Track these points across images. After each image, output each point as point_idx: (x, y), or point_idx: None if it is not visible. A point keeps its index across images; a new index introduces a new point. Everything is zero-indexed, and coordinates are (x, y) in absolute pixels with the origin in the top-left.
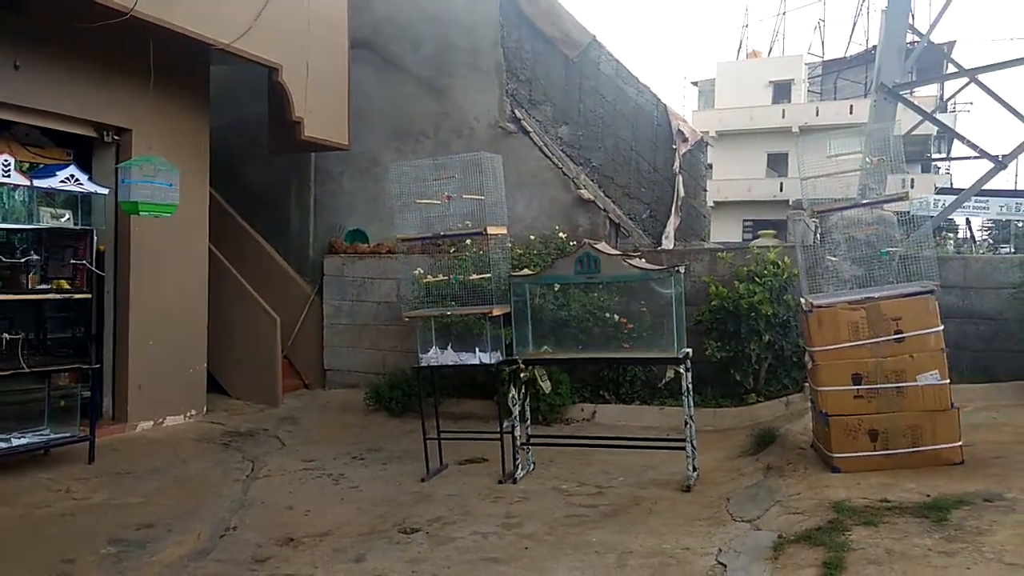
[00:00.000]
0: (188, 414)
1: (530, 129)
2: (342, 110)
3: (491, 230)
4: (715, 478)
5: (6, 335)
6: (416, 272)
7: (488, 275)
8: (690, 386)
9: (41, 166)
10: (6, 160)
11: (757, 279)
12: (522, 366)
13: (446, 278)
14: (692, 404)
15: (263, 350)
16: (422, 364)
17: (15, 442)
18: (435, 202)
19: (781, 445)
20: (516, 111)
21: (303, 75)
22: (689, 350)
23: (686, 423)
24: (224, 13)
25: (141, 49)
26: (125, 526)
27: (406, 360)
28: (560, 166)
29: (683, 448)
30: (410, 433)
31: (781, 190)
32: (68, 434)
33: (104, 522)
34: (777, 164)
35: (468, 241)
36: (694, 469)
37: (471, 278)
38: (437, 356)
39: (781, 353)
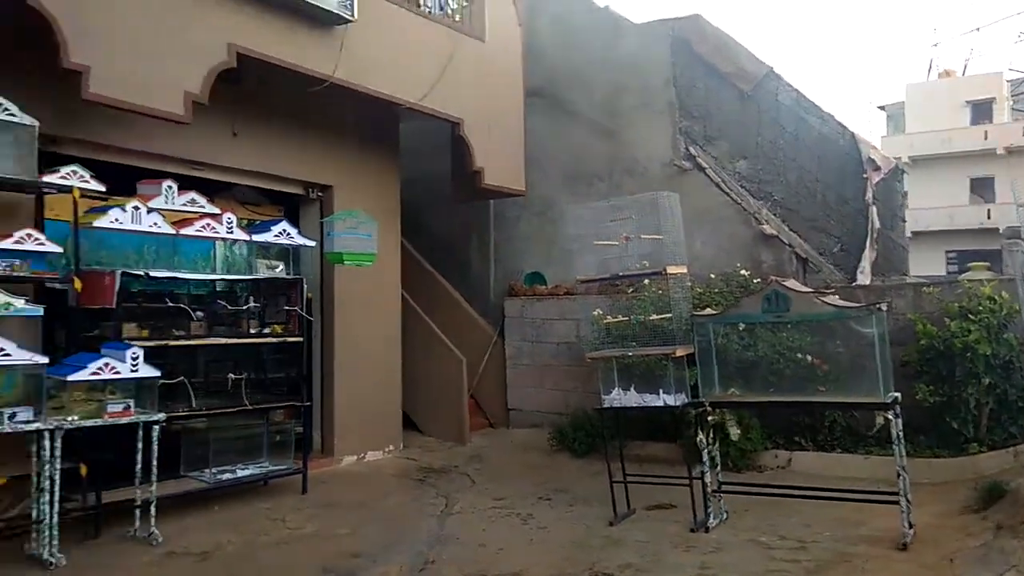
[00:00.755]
0: (387, 449)
1: (705, 165)
2: (519, 158)
3: (671, 269)
4: (935, 536)
5: (231, 375)
6: (596, 313)
7: (669, 315)
8: (901, 434)
9: (257, 222)
10: (229, 218)
11: (971, 316)
12: (709, 409)
13: (626, 319)
14: (904, 453)
15: (451, 390)
16: (605, 405)
17: (240, 473)
18: (613, 243)
19: (1013, 501)
20: (690, 148)
21: (483, 127)
22: (898, 394)
23: (899, 474)
24: (412, 75)
25: (340, 112)
26: (335, 556)
27: (588, 400)
28: (739, 201)
29: (896, 502)
30: (595, 475)
31: (989, 217)
32: (284, 467)
33: (317, 551)
34: (982, 189)
35: (647, 281)
36: (910, 525)
37: (652, 318)
38: (620, 397)
39: (1004, 398)
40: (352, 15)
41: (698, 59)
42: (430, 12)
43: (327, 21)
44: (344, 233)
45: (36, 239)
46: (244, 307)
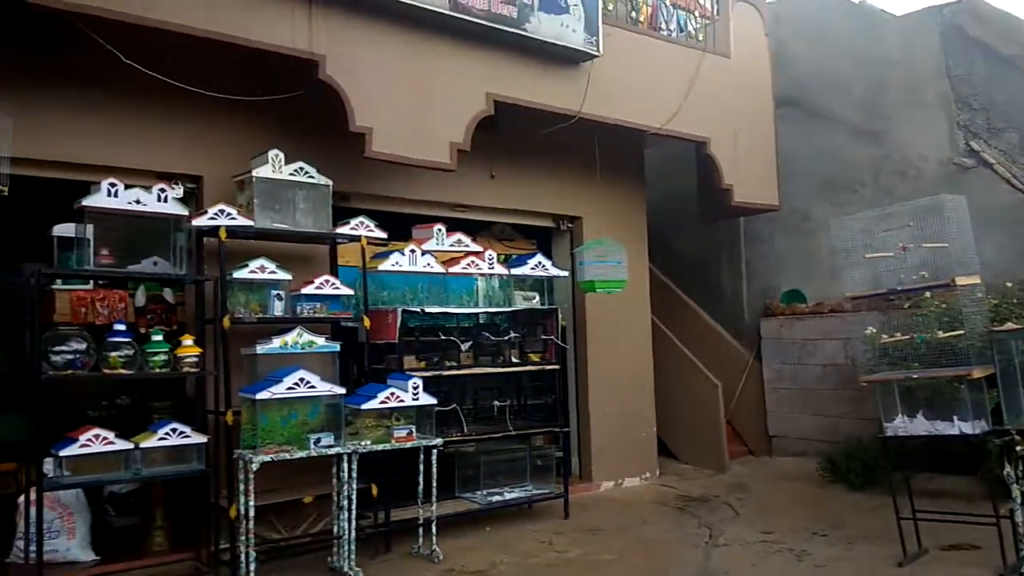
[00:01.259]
0: (643, 476)
1: (992, 161)
2: (771, 172)
3: (960, 280)
4: None
5: (496, 402)
6: (868, 332)
7: (960, 331)
8: None
9: (514, 256)
10: (491, 255)
11: None
12: (1017, 438)
13: (907, 337)
14: None
15: (706, 415)
16: (888, 434)
17: (507, 495)
18: (888, 255)
19: None
20: (972, 143)
21: (731, 143)
22: None
23: None
24: (656, 100)
25: (587, 144)
26: None
27: (861, 427)
28: None
29: None
30: (874, 510)
31: None
32: (547, 490)
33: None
34: None
35: (928, 295)
36: None
37: (938, 336)
38: (905, 425)
39: None
40: (598, 50)
41: (974, 44)
42: (671, 35)
43: (574, 59)
44: (594, 262)
45: (333, 284)
46: (506, 338)
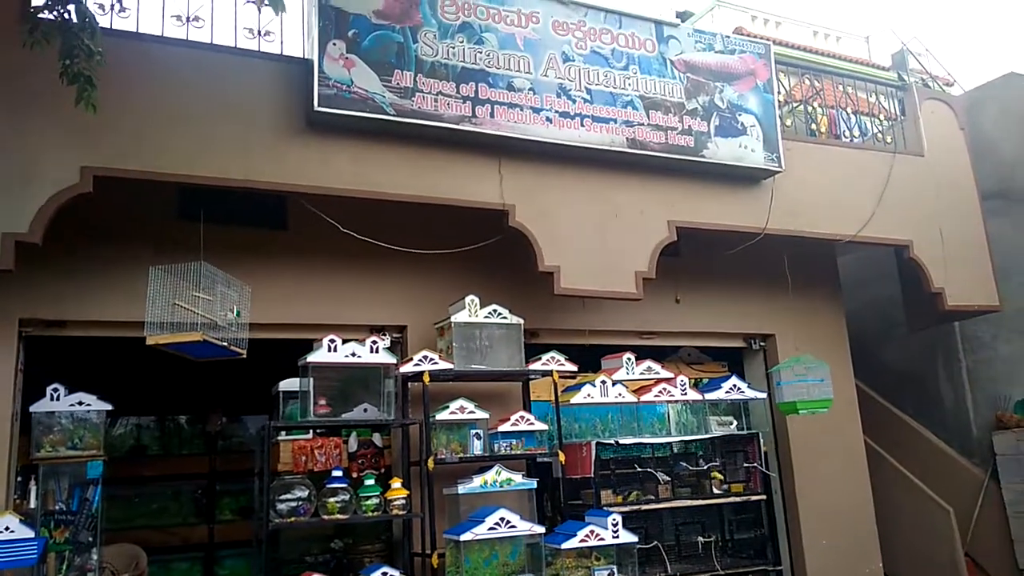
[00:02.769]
0: None
1: None
2: (985, 270)
3: None
4: None
5: (701, 538)
6: None
7: None
8: None
9: (705, 381)
10: (683, 380)
11: None
12: None
13: None
14: None
15: (940, 547)
16: None
17: None
18: None
19: None
20: None
21: (937, 244)
22: None
23: None
24: (846, 208)
25: (774, 260)
26: None
27: None
28: None
29: None
30: None
31: None
32: None
33: None
34: None
35: None
36: None
37: None
38: None
39: None
40: (780, 165)
41: None
42: (852, 141)
43: (755, 178)
44: (794, 381)
45: (527, 420)
46: (705, 467)
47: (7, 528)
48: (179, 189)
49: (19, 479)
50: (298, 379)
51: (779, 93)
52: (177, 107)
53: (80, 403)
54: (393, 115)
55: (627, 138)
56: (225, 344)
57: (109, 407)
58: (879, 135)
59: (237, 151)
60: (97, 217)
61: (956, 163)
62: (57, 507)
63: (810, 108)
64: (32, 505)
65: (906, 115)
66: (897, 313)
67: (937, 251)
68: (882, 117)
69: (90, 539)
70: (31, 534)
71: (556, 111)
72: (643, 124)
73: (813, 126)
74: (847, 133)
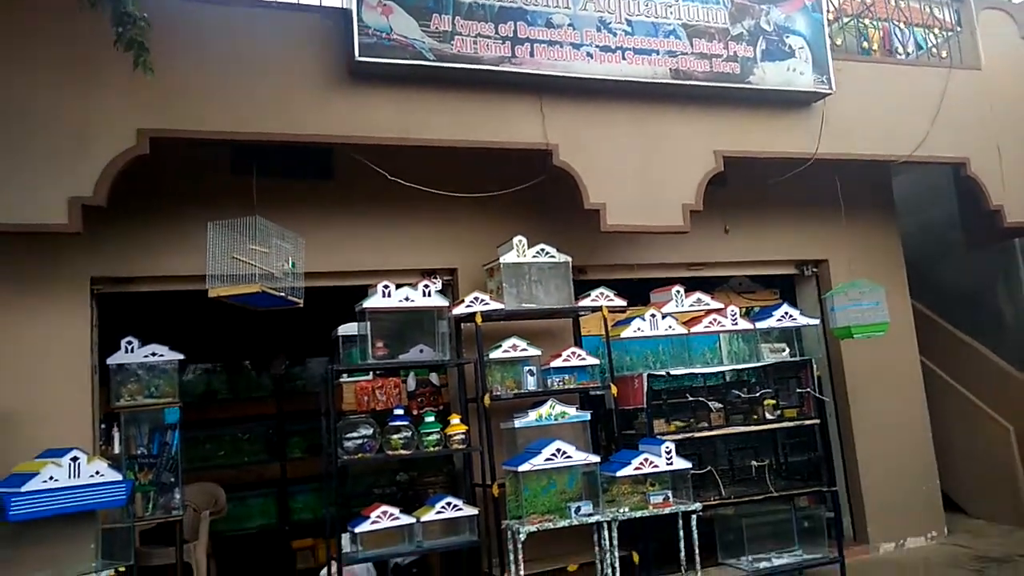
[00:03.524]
0: (929, 535)
1: None
2: None
3: None
4: None
5: (754, 463)
6: None
7: None
8: None
9: (757, 309)
10: (733, 310)
11: None
12: None
13: None
14: None
15: (999, 463)
16: None
17: (775, 562)
18: None
19: None
20: None
21: (995, 161)
22: None
23: None
24: (900, 127)
25: (827, 184)
26: None
27: None
28: None
29: None
30: None
31: None
32: (819, 555)
33: None
34: None
35: None
36: None
37: None
38: None
39: None
40: (830, 87)
41: None
42: (909, 57)
43: (805, 101)
44: (848, 306)
45: (579, 355)
46: (758, 394)
47: (97, 472)
48: (231, 146)
49: (103, 427)
50: (356, 324)
51: (828, 11)
52: (222, 65)
53: (153, 354)
54: (433, 60)
55: (670, 69)
56: (283, 294)
57: (181, 356)
58: (934, 49)
59: (281, 105)
60: (156, 177)
61: (1016, 75)
62: (139, 451)
63: (861, 24)
64: (116, 451)
65: (963, 26)
66: (954, 233)
67: (995, 167)
68: (937, 29)
69: (172, 480)
70: (119, 477)
71: (596, 46)
72: (687, 53)
73: (865, 44)
74: (900, 49)
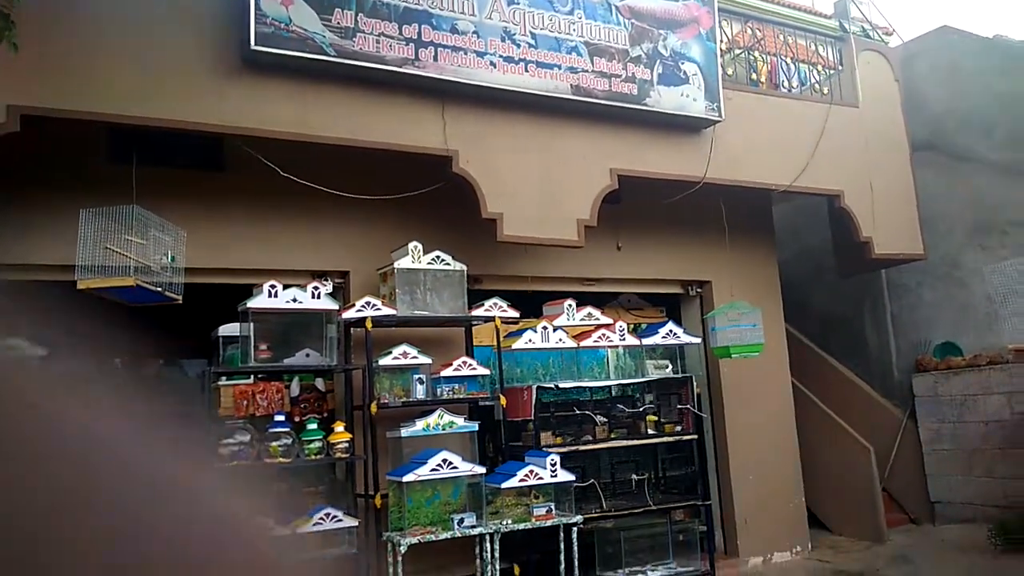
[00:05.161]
0: (794, 550)
1: None
2: (912, 220)
3: None
4: None
5: (635, 476)
6: None
7: None
8: None
9: (644, 326)
10: (621, 326)
11: None
12: None
13: None
14: None
15: (860, 482)
16: None
17: (650, 574)
18: None
19: None
20: None
21: (866, 195)
22: None
23: None
24: (782, 157)
25: (712, 208)
26: None
27: None
28: None
29: None
30: None
31: None
32: (691, 567)
33: None
34: None
35: None
36: None
37: None
38: None
39: None
40: (720, 115)
41: None
42: (793, 90)
43: (697, 127)
44: (727, 326)
45: (470, 365)
46: (641, 409)
47: None
48: (109, 129)
49: None
50: (238, 324)
51: (722, 41)
52: (108, 44)
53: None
54: (333, 56)
55: (571, 84)
56: (159, 290)
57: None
58: (816, 85)
59: (167, 89)
60: (27, 159)
61: (889, 114)
62: None
63: (752, 56)
64: None
65: (844, 65)
66: (828, 261)
67: (866, 201)
68: (821, 67)
69: None
70: None
71: (500, 55)
72: (587, 71)
73: (754, 75)
74: (786, 83)
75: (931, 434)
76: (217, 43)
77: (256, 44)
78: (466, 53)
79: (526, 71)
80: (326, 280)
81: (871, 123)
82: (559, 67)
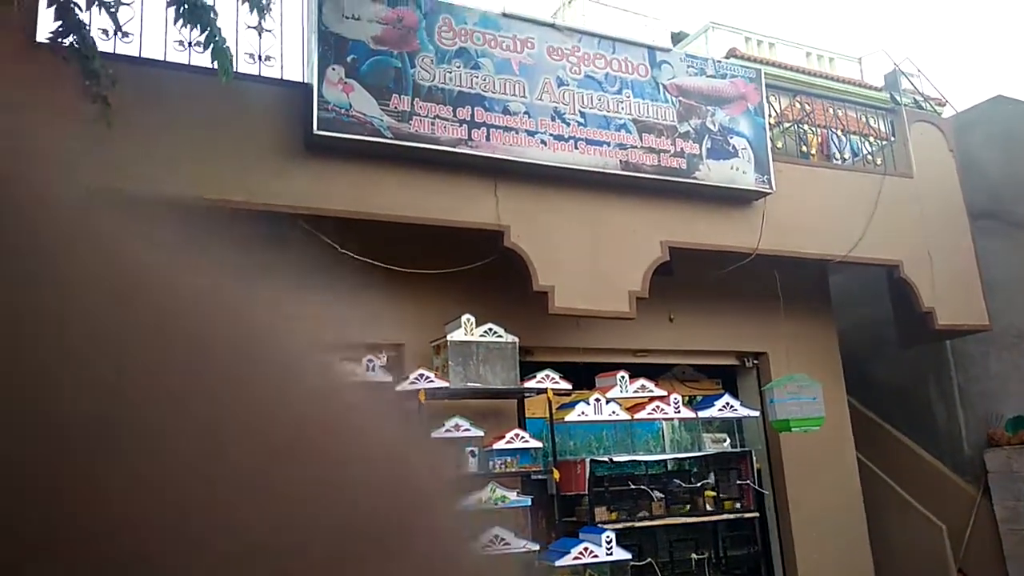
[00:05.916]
0: None
1: None
2: (975, 290)
3: None
4: None
5: (694, 555)
6: None
7: None
8: None
9: (699, 398)
10: (676, 398)
11: None
12: None
13: None
14: None
15: (933, 563)
16: None
17: None
18: None
19: None
20: None
21: (926, 265)
22: None
23: None
24: (836, 228)
25: (767, 279)
26: None
27: None
28: None
29: None
30: None
31: None
32: None
33: None
34: None
35: None
36: None
37: None
38: None
39: None
40: (770, 187)
41: None
42: (845, 163)
43: (747, 199)
44: (786, 399)
45: (522, 437)
46: (699, 484)
47: None
48: None
49: None
50: None
51: (771, 115)
52: (180, 131)
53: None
54: (391, 138)
55: (620, 160)
56: None
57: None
58: (869, 156)
59: (238, 173)
60: None
61: (945, 184)
62: None
63: (801, 129)
64: None
65: (896, 136)
66: (889, 332)
67: (927, 271)
68: (872, 138)
69: None
70: None
71: (551, 134)
72: (636, 147)
73: (804, 147)
74: (838, 154)
75: (1008, 512)
76: (281, 129)
77: (319, 129)
78: (517, 132)
79: (576, 148)
80: (381, 353)
81: (927, 193)
82: (608, 144)
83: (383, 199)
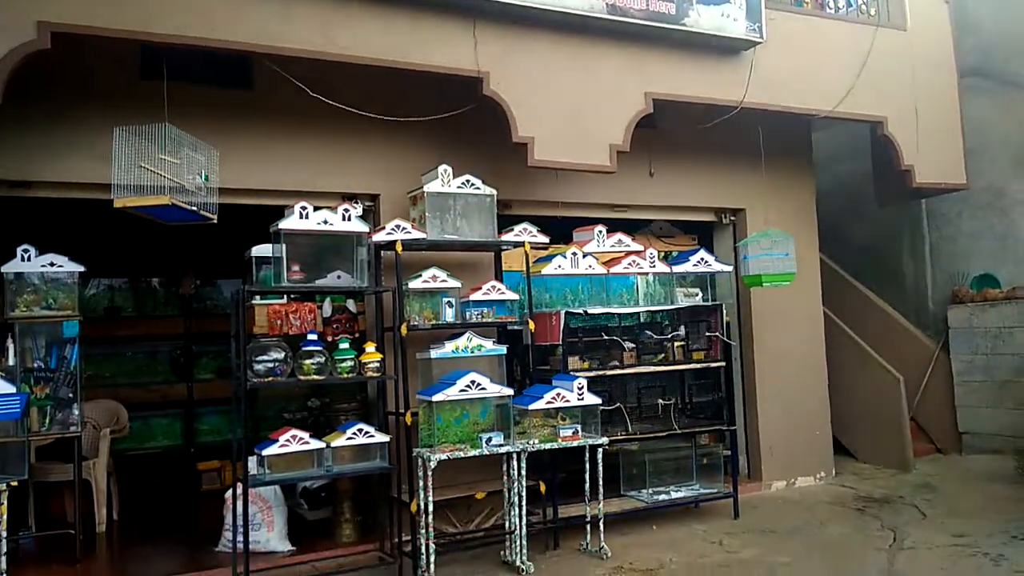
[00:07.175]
0: (818, 476)
1: None
2: (956, 149)
3: None
4: None
5: (660, 401)
6: None
7: None
8: None
9: (675, 254)
10: (652, 253)
11: None
12: None
13: None
14: None
15: (888, 412)
16: None
17: (673, 495)
18: None
19: None
20: None
21: (910, 122)
22: None
23: None
24: (825, 82)
25: (749, 134)
26: None
27: None
28: None
29: None
30: None
31: None
32: (714, 490)
33: None
34: None
35: None
36: None
37: None
38: None
39: None
40: (761, 36)
41: None
42: (839, 12)
43: (736, 49)
44: (760, 255)
45: (499, 289)
46: (669, 335)
47: None
48: (141, 47)
49: None
50: (271, 245)
51: None
52: None
53: (52, 264)
54: None
55: (607, 3)
56: (194, 208)
57: (81, 268)
58: (863, 6)
59: (197, 7)
60: (59, 76)
61: (937, 38)
62: (36, 365)
63: None
64: (11, 362)
65: None
66: (867, 190)
67: (911, 128)
68: None
69: (70, 395)
70: (13, 390)
71: None
72: None
73: None
74: (833, 3)
75: (963, 365)
76: None
77: None
78: None
79: None
80: (357, 202)
81: (919, 47)
82: None
83: (353, 40)
